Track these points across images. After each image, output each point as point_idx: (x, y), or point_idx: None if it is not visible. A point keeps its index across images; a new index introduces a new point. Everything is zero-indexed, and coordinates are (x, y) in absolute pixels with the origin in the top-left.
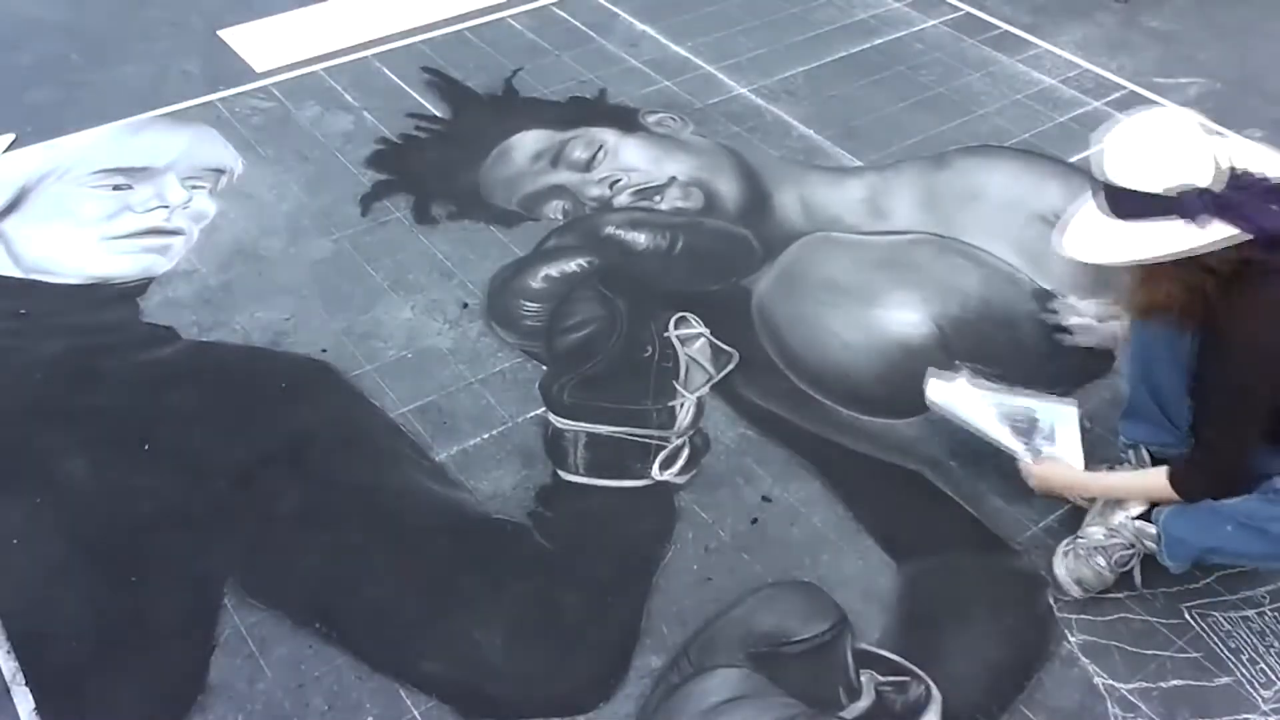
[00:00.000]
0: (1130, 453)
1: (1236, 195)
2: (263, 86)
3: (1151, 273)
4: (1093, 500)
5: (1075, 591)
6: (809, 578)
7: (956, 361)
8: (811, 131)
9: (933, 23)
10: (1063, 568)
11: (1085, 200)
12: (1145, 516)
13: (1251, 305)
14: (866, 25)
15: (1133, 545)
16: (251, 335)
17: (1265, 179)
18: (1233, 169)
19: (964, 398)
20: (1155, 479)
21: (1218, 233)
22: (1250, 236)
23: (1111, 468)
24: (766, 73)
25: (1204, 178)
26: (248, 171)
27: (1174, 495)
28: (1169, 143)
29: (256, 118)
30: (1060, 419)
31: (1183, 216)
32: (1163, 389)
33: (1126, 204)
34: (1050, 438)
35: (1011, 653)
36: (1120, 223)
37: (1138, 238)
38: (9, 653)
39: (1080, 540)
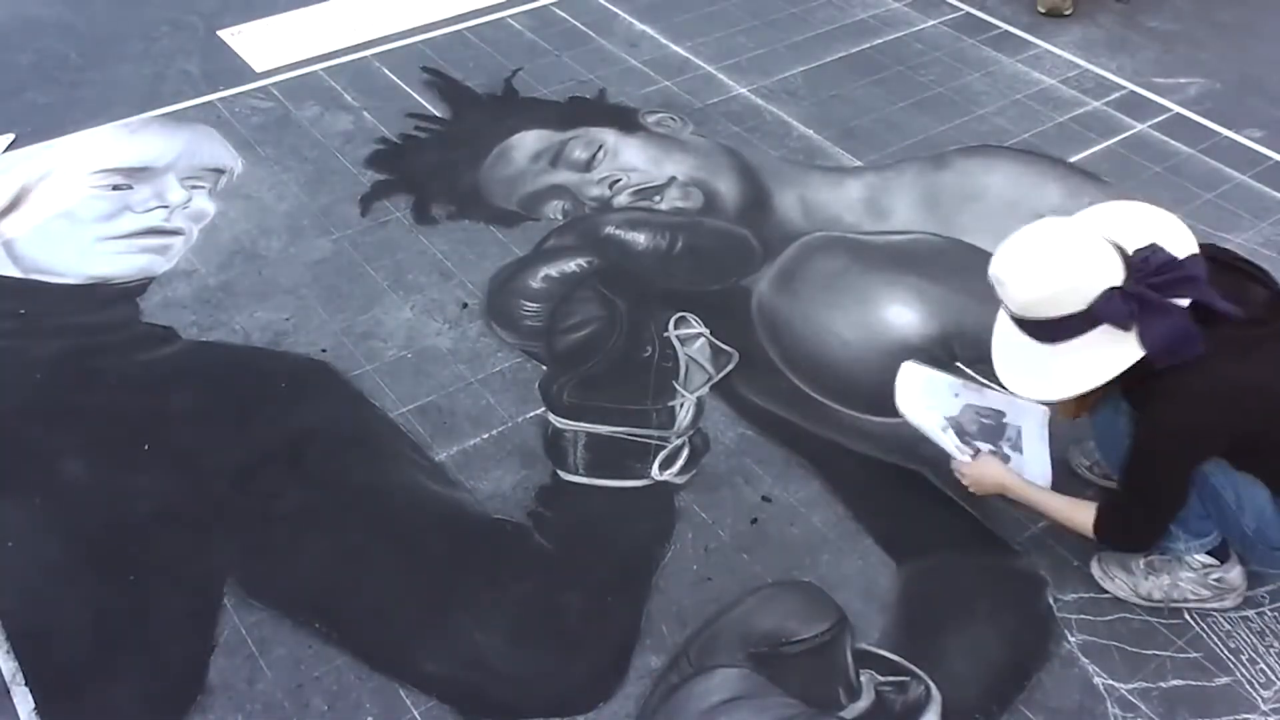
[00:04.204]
0: (1093, 470)
1: (1151, 290)
2: (262, 86)
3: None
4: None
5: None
6: (809, 578)
7: (958, 364)
8: (811, 131)
9: (932, 23)
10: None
11: (1004, 321)
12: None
13: (1169, 386)
14: (866, 25)
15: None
16: (251, 335)
17: (1167, 263)
18: (1131, 257)
19: (929, 391)
20: (1083, 515)
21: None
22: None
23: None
24: (766, 73)
25: (1115, 276)
26: (247, 171)
27: (1093, 535)
28: (1065, 256)
29: (256, 118)
30: (1029, 422)
31: (1109, 323)
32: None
33: (1049, 331)
34: (1016, 445)
35: (1011, 653)
36: (1048, 347)
37: (1073, 361)
38: (8, 652)
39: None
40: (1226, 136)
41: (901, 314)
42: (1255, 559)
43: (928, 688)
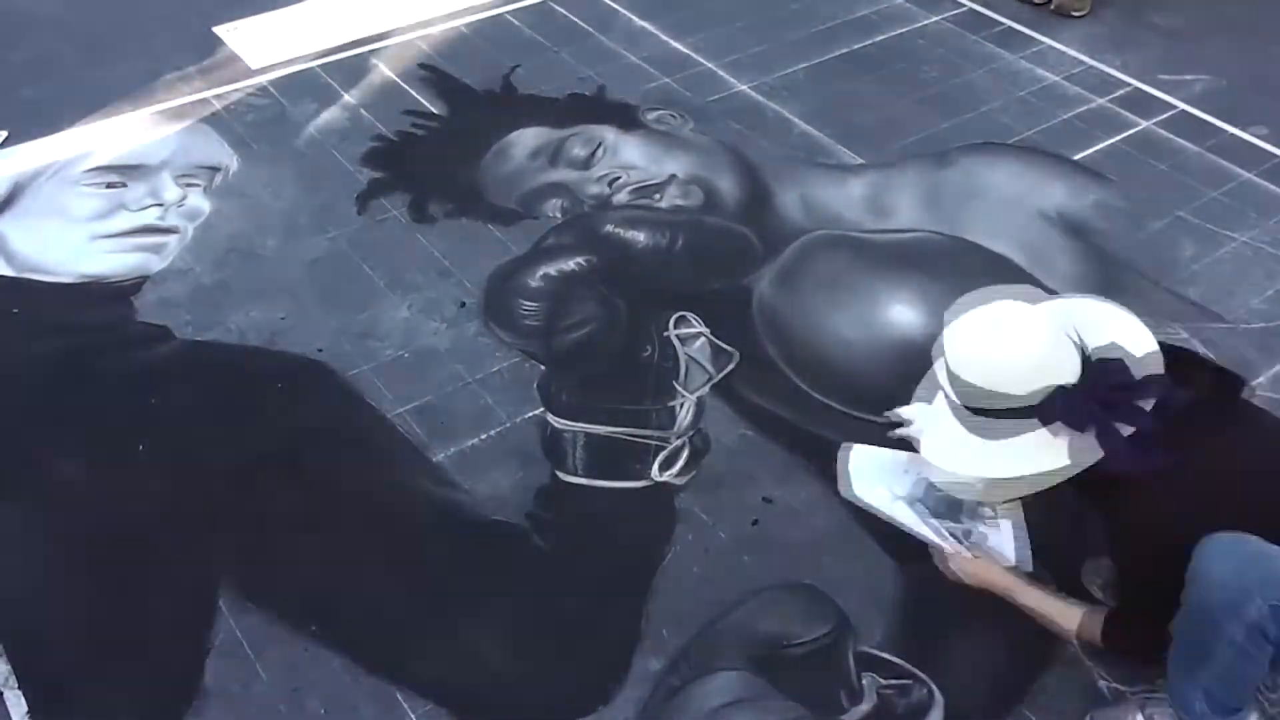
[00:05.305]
0: (1106, 590)
1: (1108, 390)
2: (258, 83)
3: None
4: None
5: None
6: (810, 580)
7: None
8: (812, 129)
9: (935, 19)
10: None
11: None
12: None
13: (1134, 490)
14: (868, 21)
15: None
16: (247, 335)
17: (1122, 373)
18: (1091, 359)
19: (881, 471)
20: (1089, 624)
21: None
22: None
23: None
24: (767, 69)
25: (1071, 373)
26: (243, 169)
27: (1100, 644)
28: (1027, 342)
29: (252, 115)
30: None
31: (1062, 422)
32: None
33: (991, 423)
34: (986, 517)
35: (1015, 655)
36: (993, 443)
37: (1018, 455)
38: (1, 655)
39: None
40: (1232, 134)
41: (903, 313)
42: None
43: (930, 691)
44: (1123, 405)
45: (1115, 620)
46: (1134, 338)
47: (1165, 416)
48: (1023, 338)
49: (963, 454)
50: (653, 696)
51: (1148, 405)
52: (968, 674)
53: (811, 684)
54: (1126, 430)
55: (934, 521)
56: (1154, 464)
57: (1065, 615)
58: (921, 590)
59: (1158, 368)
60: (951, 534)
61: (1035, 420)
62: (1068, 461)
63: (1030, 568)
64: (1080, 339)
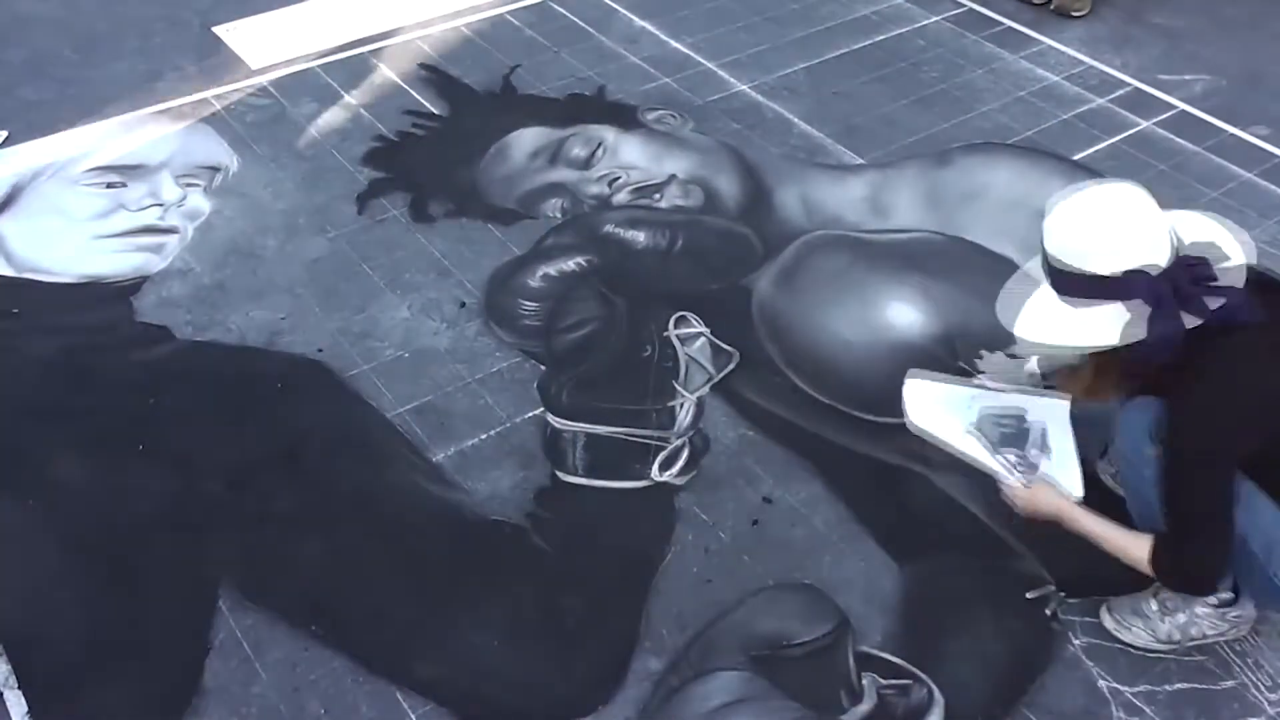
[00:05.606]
0: (1118, 479)
1: (1187, 281)
2: (258, 83)
3: (1101, 361)
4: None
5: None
6: (810, 580)
7: (960, 363)
8: (812, 129)
9: (935, 19)
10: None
11: (1030, 278)
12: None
13: (1199, 377)
14: (868, 21)
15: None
16: (247, 335)
17: (1204, 268)
18: (1180, 248)
19: (944, 404)
20: (1138, 549)
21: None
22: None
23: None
24: (767, 69)
25: (1160, 256)
26: (243, 169)
27: (1149, 571)
28: (1122, 220)
29: (252, 115)
30: (1052, 419)
31: (1136, 298)
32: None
33: (1072, 286)
34: (1043, 448)
35: (1015, 655)
36: (1067, 306)
37: (1086, 321)
38: (1, 655)
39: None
40: (1232, 134)
41: (904, 313)
42: (1275, 606)
43: (930, 691)
44: (1193, 297)
45: (1164, 546)
46: (1232, 250)
47: (1227, 320)
48: (1126, 217)
49: (1050, 323)
50: (653, 696)
51: (1214, 304)
52: (968, 674)
53: (811, 684)
54: (1190, 321)
55: (999, 455)
56: (1165, 355)
57: (1135, 544)
58: (921, 590)
59: (1238, 280)
60: (1015, 465)
61: (1114, 294)
62: (1116, 340)
63: (1081, 494)
64: (1177, 236)
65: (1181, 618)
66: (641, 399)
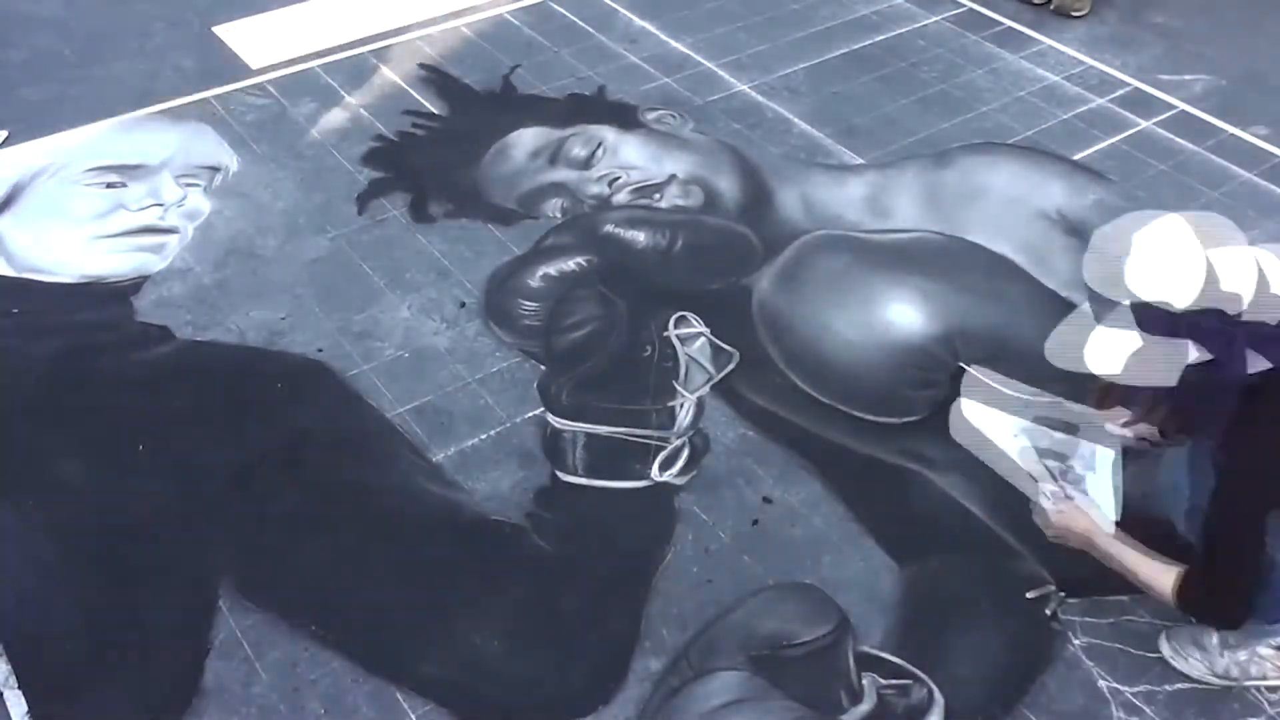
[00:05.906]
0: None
1: (1267, 326)
2: (258, 83)
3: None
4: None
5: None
6: (810, 579)
7: (962, 365)
8: (812, 129)
9: (935, 19)
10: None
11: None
12: None
13: (1258, 423)
14: (868, 21)
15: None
16: (247, 335)
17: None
18: (1261, 298)
19: (998, 406)
20: (1167, 580)
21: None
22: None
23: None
24: (767, 69)
25: (1246, 292)
26: (243, 169)
27: (1174, 601)
28: (1215, 253)
29: (252, 115)
30: (1104, 442)
31: (1194, 340)
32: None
33: (1143, 316)
34: (1089, 465)
35: (1015, 655)
36: (1148, 337)
37: (1147, 352)
38: (1, 655)
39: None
40: (1232, 134)
41: (904, 313)
42: None
43: (930, 691)
44: (1271, 343)
45: (1193, 579)
46: None
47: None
48: (1220, 248)
49: (1125, 350)
50: (652, 696)
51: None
52: (968, 674)
53: (811, 684)
54: (1259, 364)
55: (1044, 461)
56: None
57: (1165, 576)
58: (921, 590)
59: None
60: (1057, 473)
61: (1176, 330)
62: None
63: (1117, 519)
64: (1261, 270)
65: (1242, 655)
66: (641, 399)
